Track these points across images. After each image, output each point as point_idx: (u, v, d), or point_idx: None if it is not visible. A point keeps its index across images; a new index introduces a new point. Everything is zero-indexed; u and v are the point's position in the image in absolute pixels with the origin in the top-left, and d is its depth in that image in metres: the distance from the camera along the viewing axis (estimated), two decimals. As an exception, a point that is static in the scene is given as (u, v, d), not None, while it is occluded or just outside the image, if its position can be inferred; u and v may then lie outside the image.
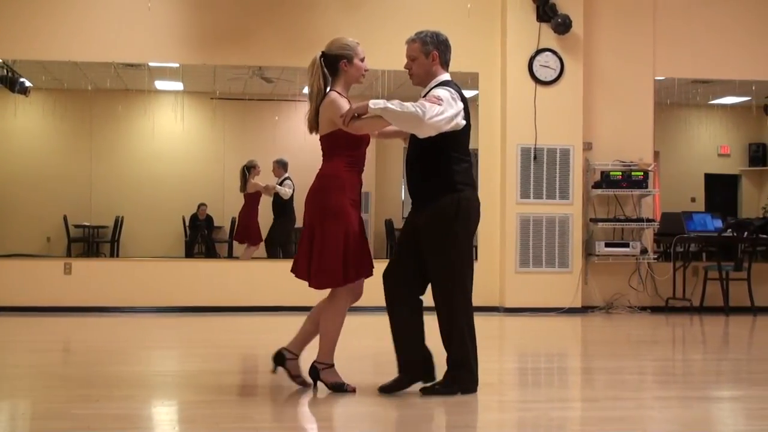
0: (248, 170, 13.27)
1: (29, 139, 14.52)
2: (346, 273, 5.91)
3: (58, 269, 11.69)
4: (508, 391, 6.66)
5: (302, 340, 6.22)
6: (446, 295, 5.95)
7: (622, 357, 8.40)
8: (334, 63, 6.03)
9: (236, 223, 13.78)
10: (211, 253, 14.29)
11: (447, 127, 5.75)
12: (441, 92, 5.82)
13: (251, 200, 13.37)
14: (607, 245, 12.10)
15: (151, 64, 12.47)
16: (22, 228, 14.10)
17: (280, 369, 6.19)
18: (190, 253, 14.19)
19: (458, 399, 5.84)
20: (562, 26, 11.85)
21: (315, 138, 6.13)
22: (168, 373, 7.38)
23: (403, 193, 14.33)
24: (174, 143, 14.51)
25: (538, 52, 12.03)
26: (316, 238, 5.93)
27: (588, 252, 12.21)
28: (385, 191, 14.57)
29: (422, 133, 5.76)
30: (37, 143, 14.52)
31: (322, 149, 6.07)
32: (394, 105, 5.63)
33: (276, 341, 6.28)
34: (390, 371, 6.10)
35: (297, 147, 11.84)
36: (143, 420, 5.50)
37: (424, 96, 5.91)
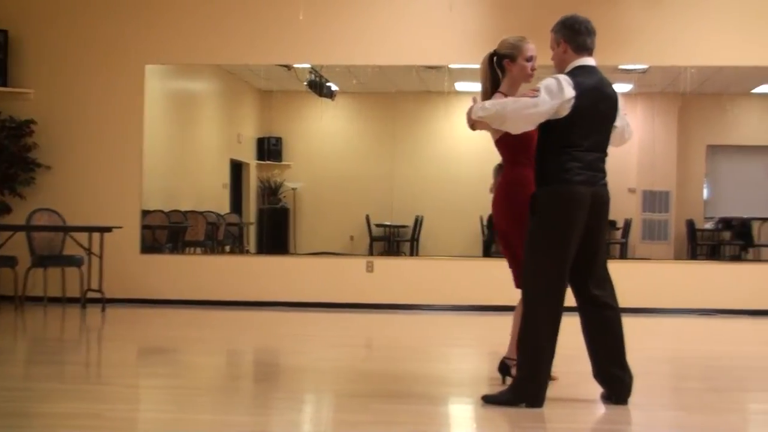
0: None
1: (334, 142, 15.12)
2: None
3: (361, 267, 12.07)
4: None
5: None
6: (522, 292, 5.74)
7: None
8: (500, 62, 6.15)
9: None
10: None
11: (541, 119, 5.47)
12: (546, 82, 5.54)
13: None
14: None
15: (451, 66, 12.67)
16: (328, 227, 14.68)
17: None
18: (487, 252, 14.28)
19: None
20: None
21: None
22: (467, 370, 7.46)
23: (705, 192, 13.83)
24: (471, 144, 14.64)
25: None
26: (517, 243, 5.93)
27: None
28: (687, 191, 14.09)
29: (513, 129, 5.60)
30: (341, 145, 15.09)
31: (500, 153, 6.23)
32: (481, 109, 5.58)
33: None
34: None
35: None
36: (441, 417, 5.58)
37: None
